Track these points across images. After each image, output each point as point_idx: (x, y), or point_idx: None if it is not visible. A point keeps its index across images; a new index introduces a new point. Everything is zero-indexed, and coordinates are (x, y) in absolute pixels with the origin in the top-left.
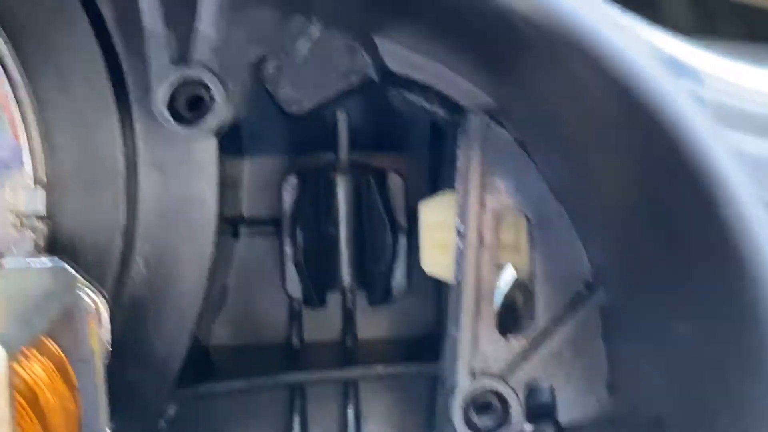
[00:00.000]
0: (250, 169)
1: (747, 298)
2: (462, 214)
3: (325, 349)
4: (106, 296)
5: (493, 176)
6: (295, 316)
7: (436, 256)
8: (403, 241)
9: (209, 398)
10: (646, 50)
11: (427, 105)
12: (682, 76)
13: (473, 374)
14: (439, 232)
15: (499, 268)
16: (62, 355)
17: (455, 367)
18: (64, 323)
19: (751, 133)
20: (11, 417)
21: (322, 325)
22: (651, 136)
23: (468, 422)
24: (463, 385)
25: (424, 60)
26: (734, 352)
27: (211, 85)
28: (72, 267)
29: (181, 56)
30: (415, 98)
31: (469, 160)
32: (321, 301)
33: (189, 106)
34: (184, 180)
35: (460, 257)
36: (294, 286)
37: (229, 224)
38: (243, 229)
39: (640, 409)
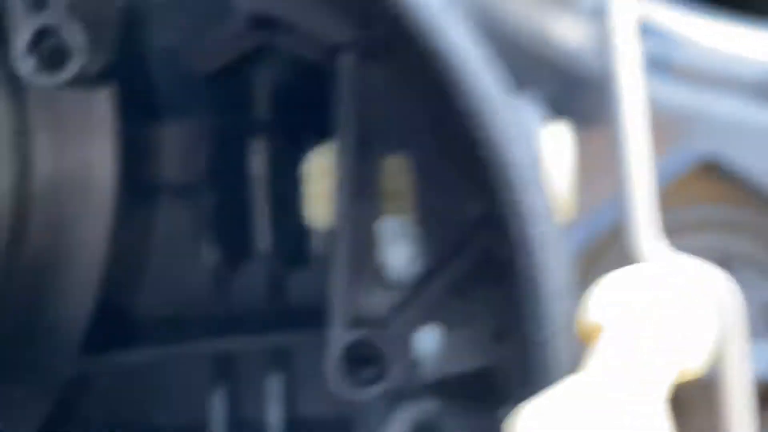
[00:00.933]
0: (169, 136)
1: None
2: (339, 159)
3: (252, 316)
4: None
5: (371, 118)
6: (219, 284)
7: (322, 206)
8: None
9: (130, 367)
10: None
11: (296, 48)
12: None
13: (350, 324)
14: (324, 181)
15: (380, 215)
16: None
17: (333, 319)
18: None
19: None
20: None
21: (248, 292)
22: None
23: (345, 376)
24: (339, 336)
25: None
26: None
27: (70, 33)
28: None
29: (39, 3)
30: (283, 42)
31: (345, 102)
32: (237, 267)
33: (50, 55)
34: (80, 142)
35: (337, 204)
36: (209, 252)
37: (147, 191)
38: (162, 197)
39: (524, 358)
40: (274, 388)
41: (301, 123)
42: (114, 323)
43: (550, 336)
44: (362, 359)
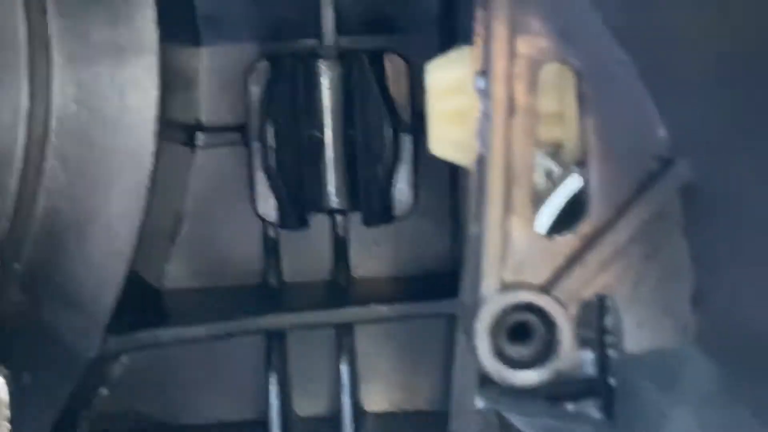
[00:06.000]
0: (209, 63)
1: None
2: (484, 67)
3: (310, 287)
4: None
5: (526, 11)
6: (270, 248)
7: (449, 132)
8: (407, 141)
9: (161, 349)
10: None
11: None
12: None
13: (504, 286)
14: (452, 98)
15: (536, 141)
16: None
17: (479, 277)
18: None
19: None
20: None
21: (306, 256)
22: None
23: (498, 353)
24: (491, 301)
25: None
26: None
27: None
28: None
29: None
30: None
31: None
32: (302, 222)
33: None
34: (113, 61)
35: (483, 126)
36: (266, 204)
37: (183, 132)
38: (201, 138)
39: (736, 328)
40: (338, 374)
41: (383, 39)
42: (145, 296)
43: None
44: (520, 332)
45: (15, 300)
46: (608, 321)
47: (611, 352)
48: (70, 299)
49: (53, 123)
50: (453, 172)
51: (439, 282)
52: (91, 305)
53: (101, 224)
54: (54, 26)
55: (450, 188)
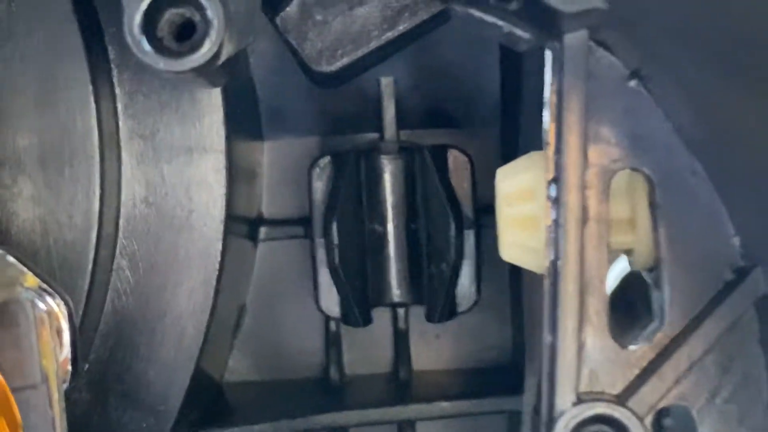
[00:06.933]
0: (271, 157)
1: None
2: (556, 175)
3: (372, 380)
4: (69, 301)
5: (598, 120)
6: (332, 342)
7: (519, 237)
8: (470, 237)
9: None
10: None
11: (503, 25)
12: None
13: (579, 397)
14: (522, 204)
15: (609, 248)
16: None
17: (554, 389)
18: (2, 333)
19: None
20: None
21: (367, 349)
22: None
23: None
24: (567, 414)
25: None
26: None
27: (205, 4)
28: (21, 261)
29: None
30: (486, 17)
31: (564, 99)
32: (366, 319)
33: (176, 35)
34: (181, 161)
35: (555, 234)
36: (330, 300)
37: (246, 226)
38: (263, 231)
39: None
40: None
41: (444, 133)
42: (207, 390)
43: None
44: None
45: (82, 399)
46: None
47: None
48: (137, 398)
49: (122, 222)
50: (513, 267)
51: (500, 376)
52: (159, 404)
53: (169, 323)
54: (124, 128)
55: (510, 282)
